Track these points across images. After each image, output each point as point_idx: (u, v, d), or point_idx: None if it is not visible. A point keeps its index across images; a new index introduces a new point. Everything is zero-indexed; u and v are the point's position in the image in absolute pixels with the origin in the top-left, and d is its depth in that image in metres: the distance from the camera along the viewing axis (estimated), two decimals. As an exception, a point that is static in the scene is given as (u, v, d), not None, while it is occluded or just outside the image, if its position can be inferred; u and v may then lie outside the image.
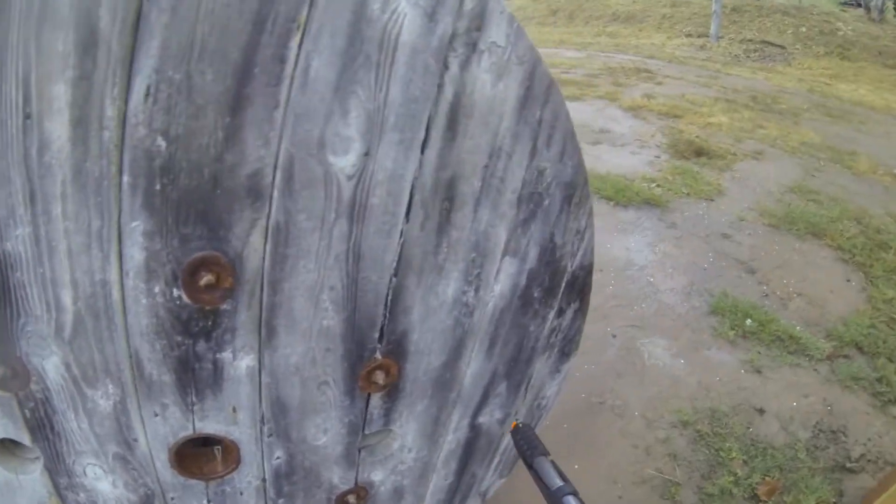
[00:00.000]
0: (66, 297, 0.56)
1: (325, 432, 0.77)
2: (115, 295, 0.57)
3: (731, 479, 1.56)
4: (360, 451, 0.84)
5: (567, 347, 0.95)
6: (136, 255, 0.55)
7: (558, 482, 0.68)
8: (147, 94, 0.48)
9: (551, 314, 0.87)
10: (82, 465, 0.70)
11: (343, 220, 0.59)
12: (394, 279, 0.66)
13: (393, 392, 0.78)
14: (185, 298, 0.59)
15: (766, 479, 1.57)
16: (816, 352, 2.13)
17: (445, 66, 0.55)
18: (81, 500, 0.71)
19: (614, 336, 2.19)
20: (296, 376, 0.69)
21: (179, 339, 0.61)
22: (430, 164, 0.59)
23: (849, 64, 9.03)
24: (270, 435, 0.74)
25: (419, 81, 0.54)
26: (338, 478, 0.85)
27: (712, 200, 3.44)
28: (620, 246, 2.87)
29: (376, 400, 0.78)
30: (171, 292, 0.58)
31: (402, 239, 0.63)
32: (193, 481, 0.73)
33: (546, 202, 0.73)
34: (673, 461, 1.60)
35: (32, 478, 0.69)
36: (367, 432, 0.82)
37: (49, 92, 0.46)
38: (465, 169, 0.62)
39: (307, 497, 0.84)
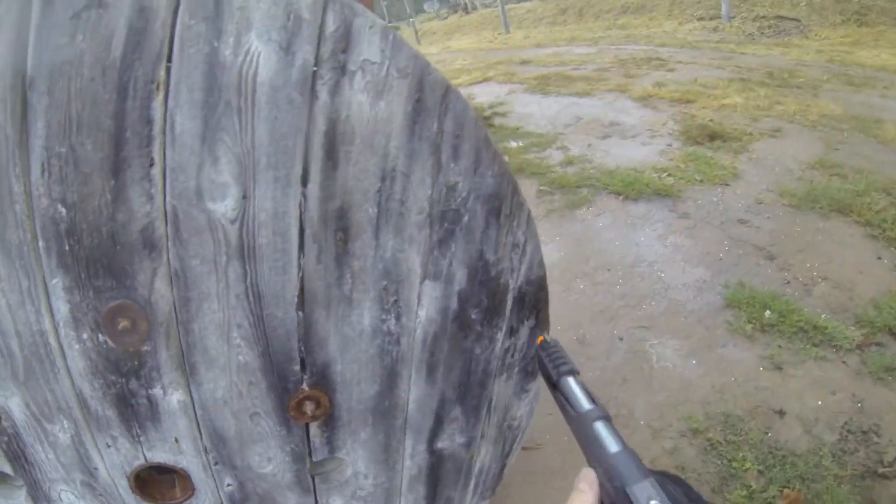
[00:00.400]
0: (14, 345, 0.66)
1: (269, 460, 0.83)
2: (53, 342, 0.67)
3: (745, 492, 1.47)
4: (313, 478, 0.88)
5: (530, 366, 0.93)
6: (61, 307, 0.64)
7: (587, 405, 0.57)
8: (43, 170, 0.57)
9: (500, 334, 0.87)
10: (57, 490, 0.81)
11: (235, 261, 0.64)
12: (300, 313, 0.70)
13: (330, 421, 0.82)
14: (110, 342, 0.67)
15: (785, 490, 1.46)
16: (845, 341, 1.97)
17: (314, 96, 0.59)
18: (62, 521, 0.81)
19: (621, 339, 2.15)
20: (226, 408, 0.76)
21: (113, 378, 0.70)
22: (314, 198, 0.63)
23: (867, 30, 8.47)
24: (216, 463, 0.80)
25: (285, 117, 0.58)
26: (295, 503, 0.89)
27: (727, 185, 3.26)
28: (629, 242, 2.83)
29: (315, 429, 0.82)
30: (97, 337, 0.67)
31: (300, 273, 0.68)
32: (157, 506, 0.81)
33: (465, 219, 0.73)
34: (680, 475, 1.49)
35: (20, 503, 0.80)
36: (314, 459, 0.85)
37: (-36, 176, 0.56)
38: (356, 197, 0.65)
39: (269, 522, 0.88)
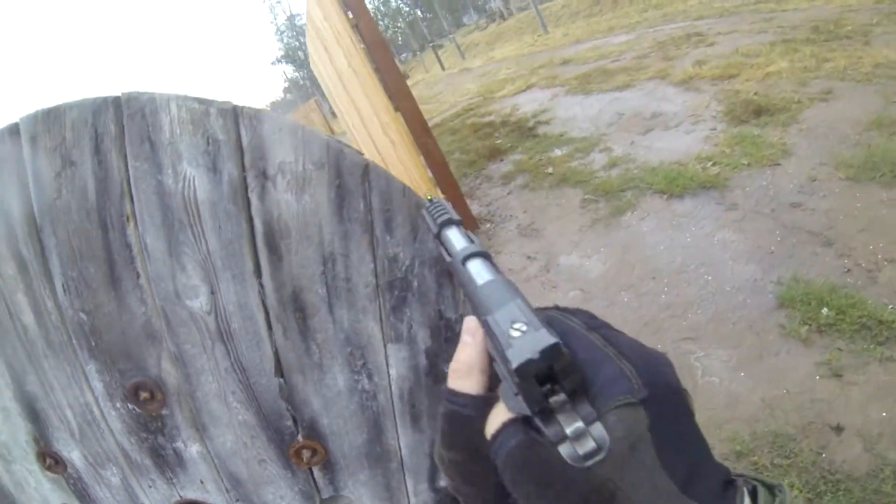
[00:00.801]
0: (69, 414, 0.81)
1: (282, 498, 0.92)
2: (96, 410, 0.80)
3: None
4: (326, 513, 0.96)
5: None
6: (97, 385, 0.77)
7: (460, 247, 0.48)
8: (64, 290, 0.70)
9: (477, 379, 0.89)
10: (117, 521, 0.94)
11: (218, 343, 0.74)
12: (280, 380, 0.78)
13: (329, 465, 0.89)
14: (137, 409, 0.79)
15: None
16: (916, 337, 1.67)
17: (247, 203, 0.66)
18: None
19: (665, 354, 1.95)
20: (237, 457, 0.86)
21: (144, 435, 0.82)
22: (269, 286, 0.71)
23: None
24: (238, 500, 0.91)
25: (227, 226, 0.66)
26: (314, 533, 0.98)
27: (777, 165, 2.90)
28: (675, 245, 2.59)
29: (317, 472, 0.90)
30: (127, 406, 0.79)
31: (273, 348, 0.76)
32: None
33: (415, 284, 0.77)
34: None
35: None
36: (323, 497, 0.93)
37: (15, 300, 0.70)
38: (304, 281, 0.72)
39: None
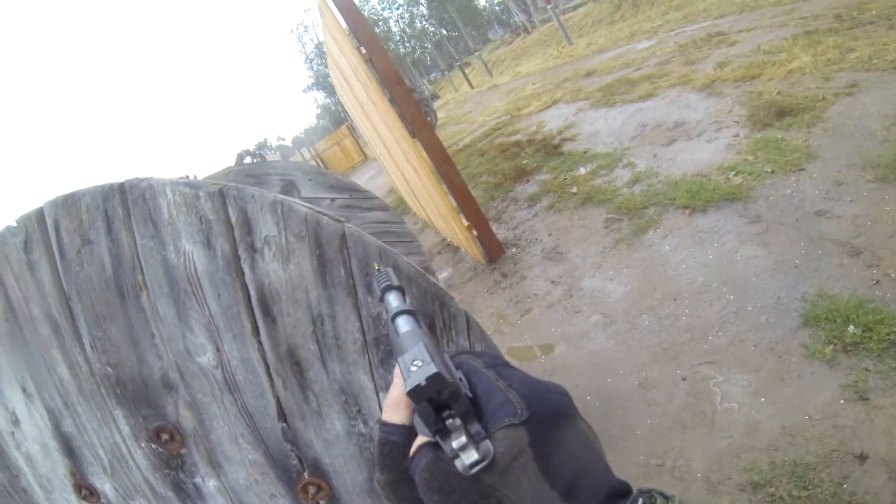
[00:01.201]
0: (101, 452, 0.91)
1: (292, 531, 0.98)
2: (124, 449, 0.90)
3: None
4: (334, 544, 1.02)
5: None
6: (124, 428, 0.87)
7: (395, 304, 0.56)
8: (92, 347, 0.80)
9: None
10: (148, 548, 1.04)
11: (227, 393, 0.82)
12: (284, 424, 0.85)
13: (333, 500, 0.96)
14: (159, 449, 0.88)
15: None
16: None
17: (241, 273, 0.75)
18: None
19: (684, 379, 1.91)
20: (250, 491, 0.94)
21: (167, 471, 0.92)
22: (266, 344, 0.79)
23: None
24: (253, 532, 0.98)
25: (225, 293, 0.75)
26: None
27: (802, 170, 2.76)
28: (697, 263, 2.51)
29: (323, 506, 0.96)
30: (151, 446, 0.89)
31: (275, 397, 0.83)
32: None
33: (401, 338, 0.84)
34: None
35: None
36: (330, 530, 1.00)
37: (51, 355, 0.81)
38: (297, 339, 0.79)
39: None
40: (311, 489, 0.94)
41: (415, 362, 0.38)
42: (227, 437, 0.88)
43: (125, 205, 0.75)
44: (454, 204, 3.68)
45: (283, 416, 0.86)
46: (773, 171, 2.92)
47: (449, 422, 0.35)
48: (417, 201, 5.11)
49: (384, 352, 0.84)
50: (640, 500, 0.32)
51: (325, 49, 5.46)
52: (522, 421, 0.34)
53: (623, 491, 0.33)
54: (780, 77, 4.17)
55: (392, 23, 48.05)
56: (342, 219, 0.76)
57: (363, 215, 1.87)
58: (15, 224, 0.85)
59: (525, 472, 0.33)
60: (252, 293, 0.75)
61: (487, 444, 0.34)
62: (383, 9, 46.56)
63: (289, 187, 1.83)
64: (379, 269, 0.67)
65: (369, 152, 17.22)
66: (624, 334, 2.36)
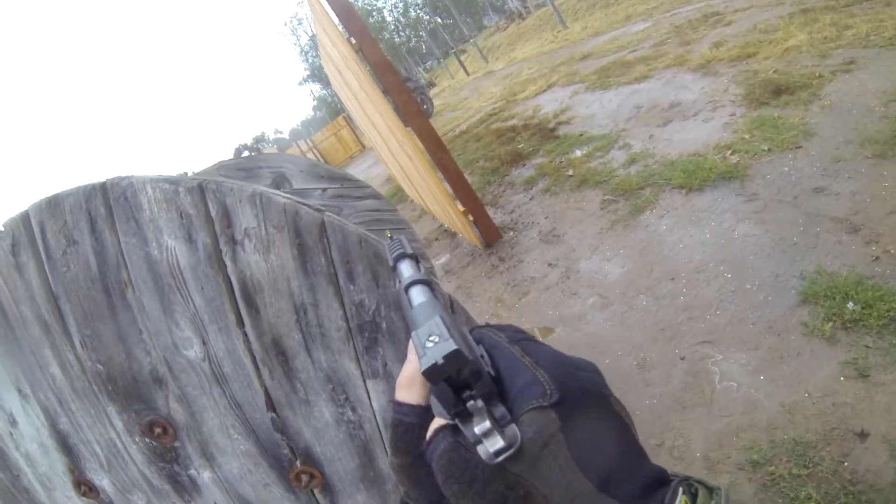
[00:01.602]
0: (97, 448, 0.92)
1: (288, 518, 1.00)
2: (119, 444, 0.91)
3: (803, 542, 1.20)
4: (330, 530, 1.04)
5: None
6: (118, 423, 0.88)
7: (408, 274, 0.53)
8: (82, 345, 0.80)
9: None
10: (148, 539, 1.06)
11: (215, 385, 0.83)
12: (273, 414, 0.86)
13: (327, 488, 0.97)
14: (153, 443, 0.90)
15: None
16: (950, 330, 1.53)
17: (222, 265, 0.75)
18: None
19: (683, 359, 1.91)
20: (244, 480, 0.95)
21: (162, 464, 0.93)
22: (252, 335, 0.80)
23: None
24: (249, 521, 0.99)
25: (208, 286, 0.75)
26: (322, 549, 1.06)
27: (799, 147, 2.73)
28: (694, 243, 2.50)
29: (318, 494, 0.98)
30: (144, 440, 0.90)
31: (263, 387, 0.84)
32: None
33: (384, 325, 0.84)
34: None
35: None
36: (326, 516, 1.01)
37: (43, 354, 0.82)
38: (281, 329, 0.80)
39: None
40: (304, 477, 0.95)
41: (431, 338, 0.34)
42: (218, 428, 0.89)
43: (107, 204, 0.75)
44: (450, 190, 3.66)
45: (271, 405, 0.87)
46: (770, 150, 2.90)
47: (470, 403, 0.31)
48: (414, 189, 5.09)
49: (369, 339, 0.84)
50: (680, 491, 0.29)
51: (318, 42, 5.42)
52: (552, 403, 0.30)
53: (661, 479, 0.30)
54: (776, 56, 4.12)
55: (386, 12, 47.44)
56: (321, 207, 0.76)
57: (355, 204, 1.87)
58: (2, 228, 0.85)
59: (556, 461, 0.29)
60: (235, 285, 0.75)
61: (514, 429, 0.30)
62: (376, -1, 45.99)
63: (280, 179, 1.83)
64: (391, 237, 0.63)
65: (367, 142, 17.12)
66: (621, 315, 2.36)
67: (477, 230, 3.77)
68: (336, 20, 3.22)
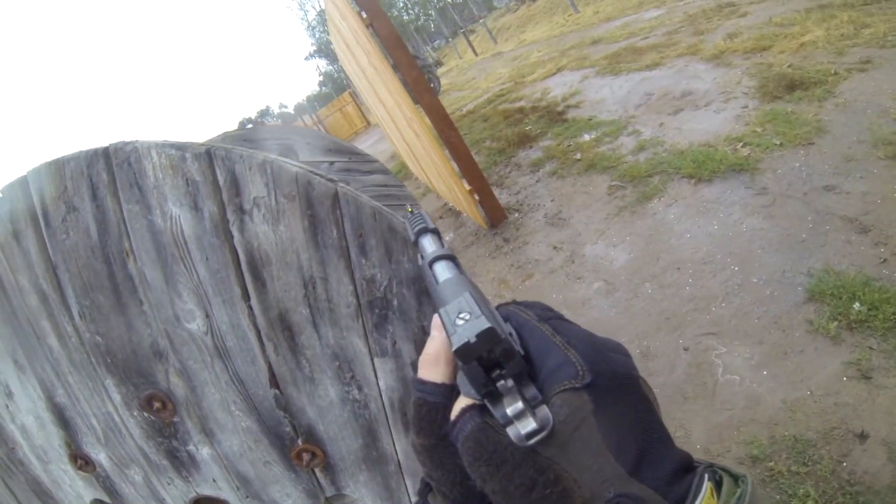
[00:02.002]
0: (94, 422, 0.90)
1: (288, 496, 0.98)
2: (117, 418, 0.89)
3: (799, 539, 1.20)
4: (331, 509, 1.02)
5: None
6: (116, 396, 0.86)
7: (431, 249, 0.52)
8: (80, 316, 0.77)
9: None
10: (142, 514, 1.05)
11: (217, 359, 0.80)
12: (276, 391, 0.83)
13: (329, 467, 0.95)
14: (152, 417, 0.87)
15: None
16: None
17: (229, 235, 0.71)
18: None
19: (686, 349, 1.89)
20: (244, 458, 0.93)
21: (160, 439, 0.90)
22: (257, 309, 0.76)
23: None
24: (247, 497, 0.98)
25: (214, 257, 0.71)
26: (321, 527, 1.04)
27: (811, 144, 2.68)
28: (702, 233, 2.46)
29: (319, 472, 0.96)
30: (143, 414, 0.87)
31: (266, 363, 0.81)
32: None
33: (395, 303, 0.80)
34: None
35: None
36: (327, 496, 0.99)
37: (40, 325, 0.79)
38: (288, 303, 0.76)
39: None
40: (306, 456, 0.93)
41: (461, 315, 0.33)
42: (219, 404, 0.86)
43: (110, 169, 0.70)
44: (456, 168, 3.60)
45: (275, 382, 0.84)
46: (781, 144, 2.84)
47: (500, 384, 0.31)
48: (419, 166, 5.02)
49: (379, 316, 0.80)
50: (706, 477, 0.28)
51: (326, 16, 5.27)
52: (585, 385, 0.29)
53: (688, 465, 0.30)
54: (791, 50, 4.02)
55: (395, -12, 46.33)
56: (335, 178, 0.71)
57: (363, 178, 1.81)
58: (0, 194, 0.81)
59: (587, 444, 0.28)
60: (241, 256, 0.71)
61: (545, 410, 0.29)
62: (386, -27, 44.83)
63: (286, 152, 1.77)
64: (412, 211, 0.61)
65: (372, 119, 16.91)
66: (626, 302, 2.33)
67: (482, 210, 3.72)
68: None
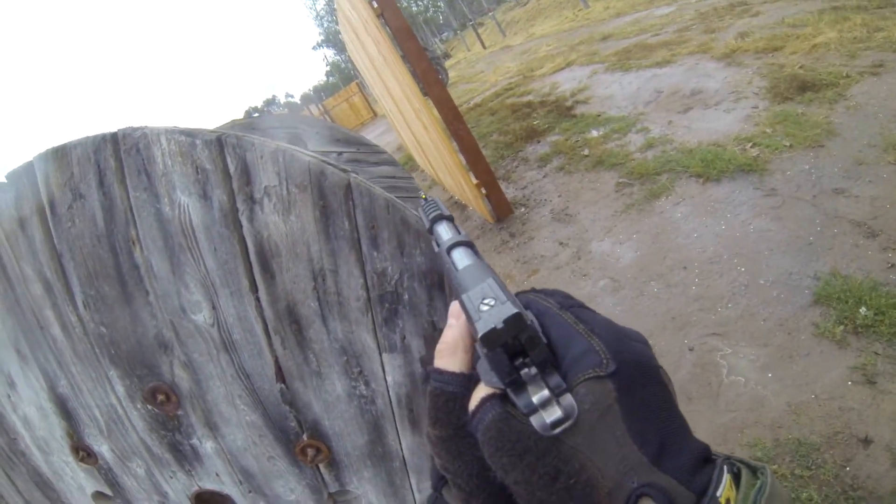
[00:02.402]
0: (97, 413, 0.88)
1: (291, 491, 0.97)
2: (120, 410, 0.87)
3: (800, 545, 1.20)
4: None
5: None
6: (119, 388, 0.84)
7: (448, 236, 0.51)
8: (84, 306, 0.75)
9: (475, 384, 0.90)
10: (145, 507, 1.03)
11: (223, 352, 0.78)
12: (282, 385, 0.82)
13: (333, 463, 0.93)
14: (155, 410, 0.85)
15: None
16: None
17: (238, 225, 0.69)
18: (153, 529, 1.04)
19: (691, 349, 1.87)
20: (248, 452, 0.91)
21: (163, 432, 0.89)
22: (265, 301, 0.74)
23: None
24: (250, 491, 0.97)
25: (222, 247, 0.69)
26: (324, 522, 1.03)
27: (821, 147, 2.63)
28: (709, 233, 2.43)
29: (323, 468, 0.94)
30: (147, 407, 0.86)
31: (273, 357, 0.79)
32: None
33: (406, 297, 0.78)
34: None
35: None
36: (330, 491, 0.98)
37: (44, 315, 0.77)
38: (297, 296, 0.74)
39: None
40: (310, 451, 0.91)
41: (486, 301, 0.32)
42: (223, 397, 0.84)
43: (118, 156, 0.68)
44: (463, 162, 3.57)
45: (281, 376, 0.82)
46: (791, 146, 2.80)
47: (524, 371, 0.30)
48: (426, 158, 4.98)
49: (389, 310, 0.78)
50: (725, 469, 0.27)
51: (335, 6, 5.20)
52: (609, 373, 0.29)
53: (707, 456, 0.29)
54: (803, 51, 3.95)
55: (404, -23, 45.85)
56: (347, 168, 0.69)
57: (371, 169, 1.79)
58: (5, 180, 0.78)
59: (612, 433, 0.28)
60: (250, 247, 0.69)
61: (570, 399, 0.28)
62: (395, -38, 44.36)
63: (294, 141, 1.74)
64: (426, 199, 0.60)
65: (378, 109, 16.80)
66: (632, 300, 2.31)
67: (489, 204, 3.69)
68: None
